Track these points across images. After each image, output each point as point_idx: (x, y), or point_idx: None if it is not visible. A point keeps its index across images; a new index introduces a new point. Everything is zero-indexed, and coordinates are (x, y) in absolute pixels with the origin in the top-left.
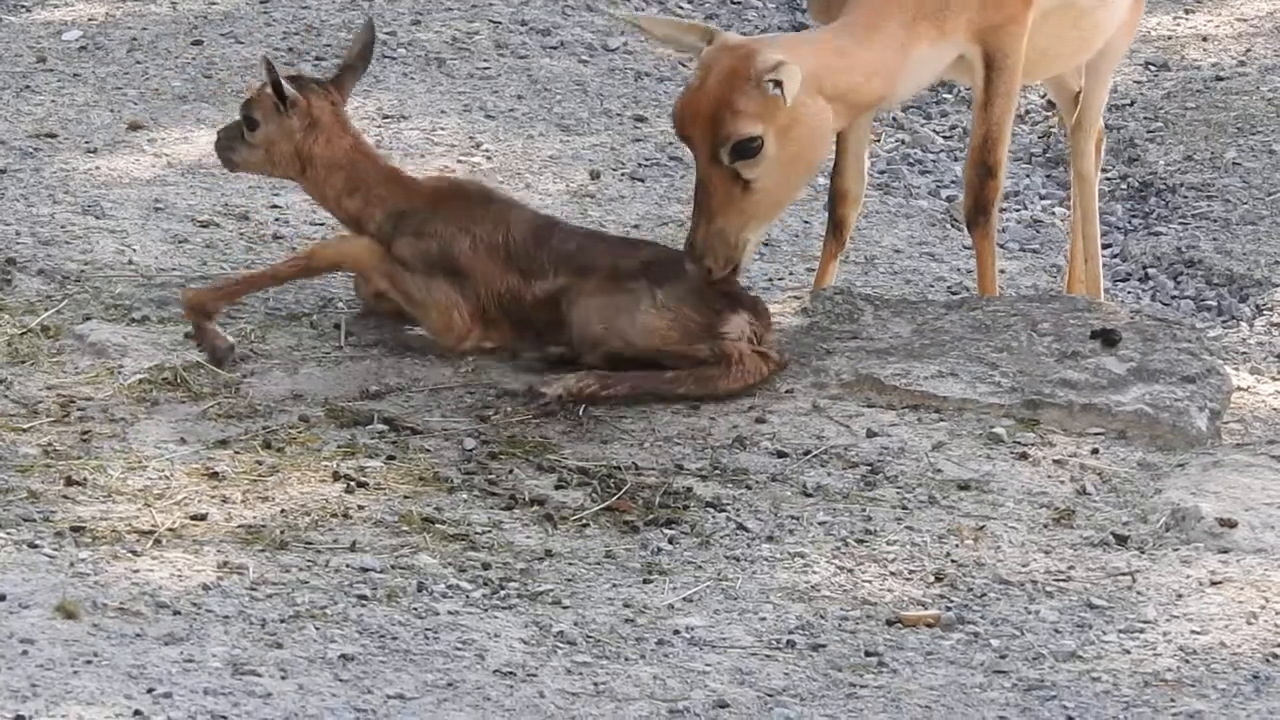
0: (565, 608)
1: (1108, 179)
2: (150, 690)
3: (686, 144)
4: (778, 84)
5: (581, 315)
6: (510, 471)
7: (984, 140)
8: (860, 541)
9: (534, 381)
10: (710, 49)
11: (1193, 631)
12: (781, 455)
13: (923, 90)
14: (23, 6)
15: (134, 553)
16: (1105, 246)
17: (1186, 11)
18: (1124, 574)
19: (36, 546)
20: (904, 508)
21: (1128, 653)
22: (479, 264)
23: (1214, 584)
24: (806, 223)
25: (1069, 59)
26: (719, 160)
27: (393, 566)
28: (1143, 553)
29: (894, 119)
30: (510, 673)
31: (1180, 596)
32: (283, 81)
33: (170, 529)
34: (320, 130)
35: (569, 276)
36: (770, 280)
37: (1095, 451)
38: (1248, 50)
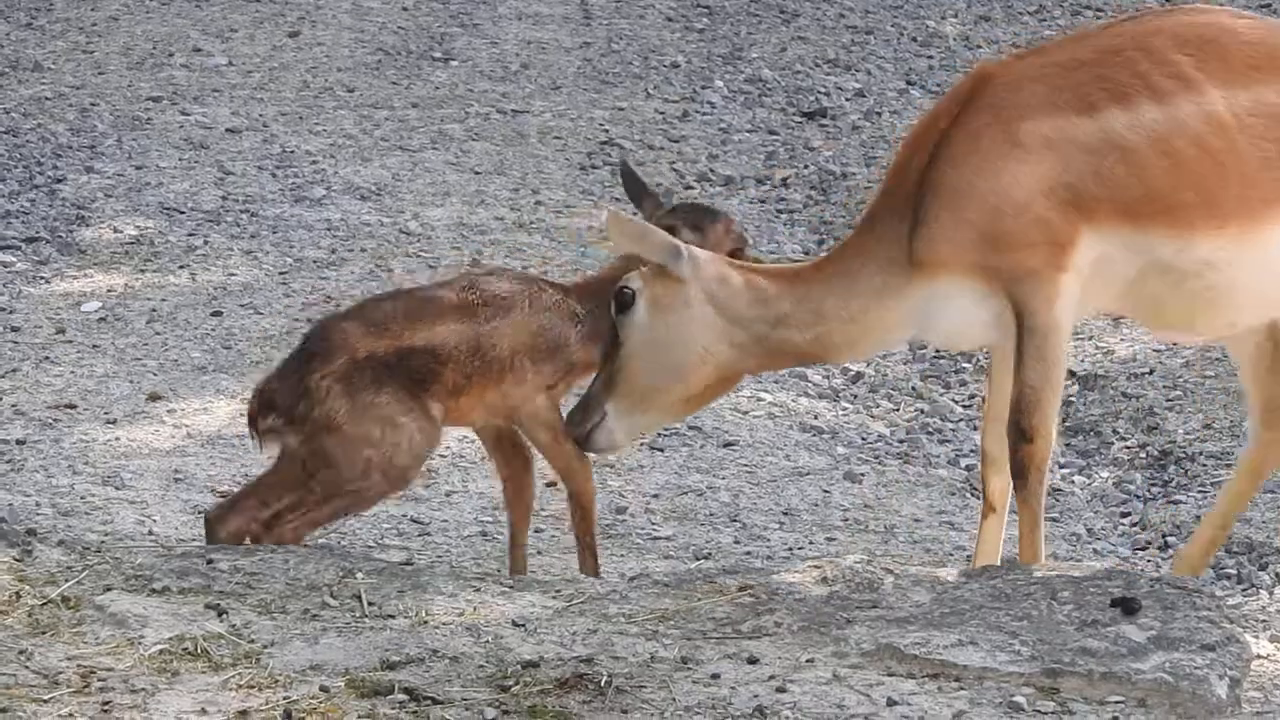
0: None
1: (1127, 447)
2: None
3: None
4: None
5: None
6: None
7: (1017, 402)
8: None
9: None
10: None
11: None
12: None
13: (977, 340)
14: (41, 278)
15: None
16: (1124, 515)
17: None
18: None
19: None
20: None
21: None
22: None
23: None
24: (826, 492)
25: (1190, 322)
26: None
27: None
28: None
29: (913, 388)
30: None
31: None
32: None
33: None
34: None
35: None
36: (790, 550)
37: None
38: None
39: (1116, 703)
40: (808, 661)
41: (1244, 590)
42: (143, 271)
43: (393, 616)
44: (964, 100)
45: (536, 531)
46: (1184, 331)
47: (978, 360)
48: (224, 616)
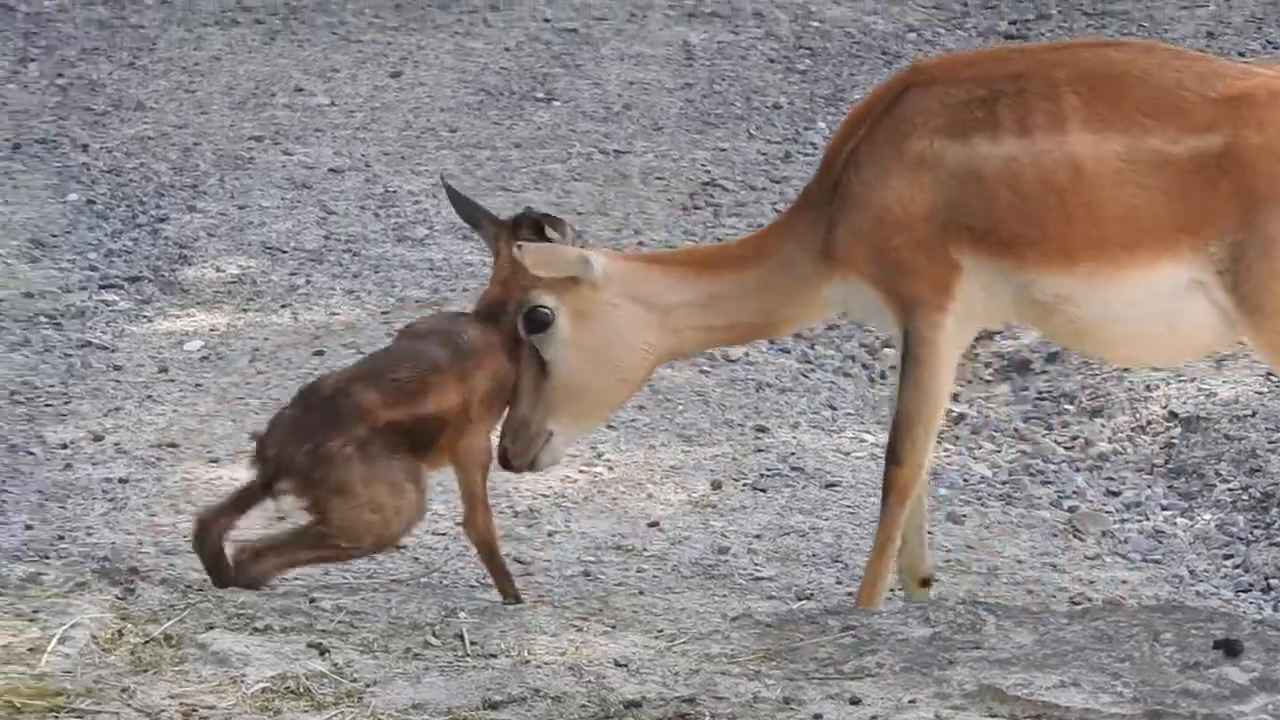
0: None
1: (1229, 489)
2: None
3: None
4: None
5: None
6: None
7: (893, 425)
8: None
9: None
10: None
11: None
12: None
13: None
14: (144, 317)
15: None
16: (1227, 557)
17: None
18: None
19: None
20: None
21: None
22: None
23: None
24: (929, 533)
25: (1089, 350)
26: (521, 335)
27: None
28: None
29: (1015, 429)
30: None
31: None
32: None
33: None
34: None
35: None
36: (892, 590)
37: None
38: None
39: None
40: (910, 702)
41: None
42: (245, 310)
43: (495, 656)
44: (889, 101)
45: (639, 572)
46: (1103, 359)
47: (1080, 402)
48: (326, 655)
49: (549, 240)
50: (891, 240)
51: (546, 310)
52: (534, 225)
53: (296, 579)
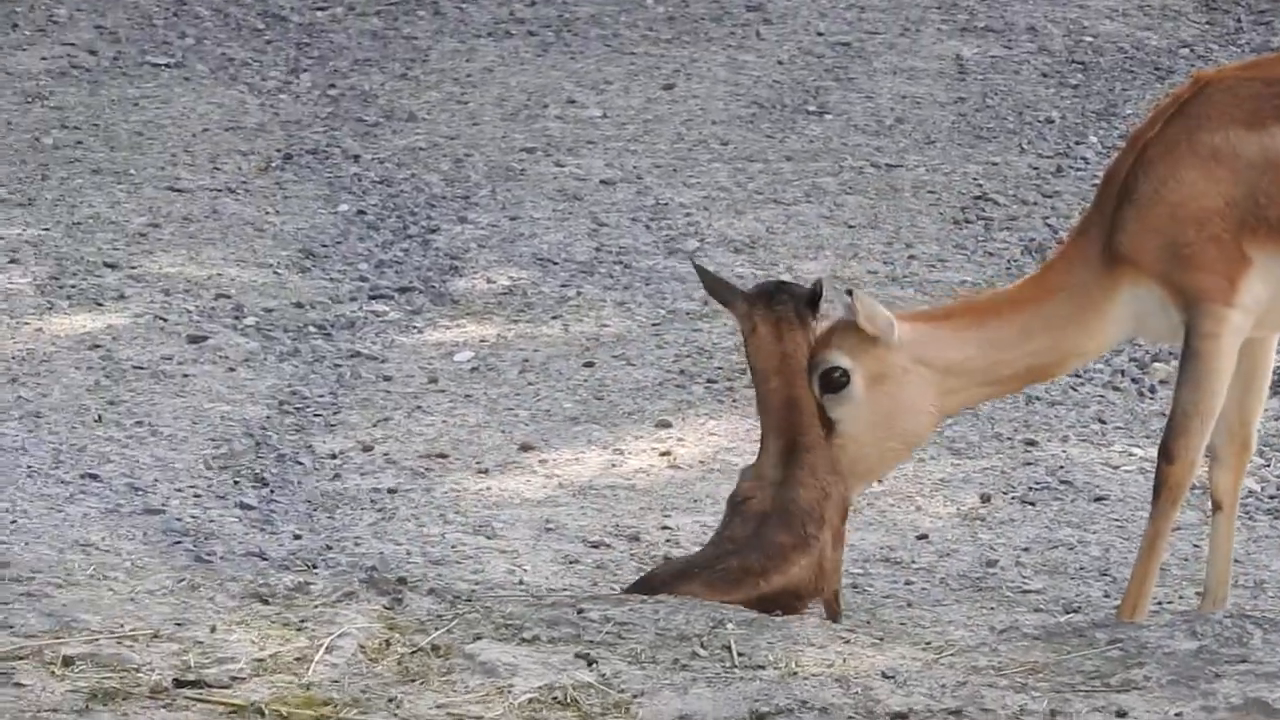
0: None
1: None
2: None
3: None
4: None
5: None
6: None
7: (1168, 422)
8: None
9: None
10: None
11: None
12: None
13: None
14: (414, 328)
15: None
16: None
17: None
18: None
19: None
20: None
21: None
22: None
23: None
24: (1196, 547)
25: None
26: (814, 393)
27: None
28: None
29: None
30: None
31: None
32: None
33: None
34: None
35: None
36: (1160, 604)
37: None
38: None
39: None
40: (1176, 715)
41: None
42: (515, 322)
43: (762, 667)
44: (1178, 105)
45: (907, 584)
46: None
47: None
48: (594, 666)
49: (818, 310)
50: (1184, 235)
51: (843, 371)
52: (810, 296)
53: (564, 590)
